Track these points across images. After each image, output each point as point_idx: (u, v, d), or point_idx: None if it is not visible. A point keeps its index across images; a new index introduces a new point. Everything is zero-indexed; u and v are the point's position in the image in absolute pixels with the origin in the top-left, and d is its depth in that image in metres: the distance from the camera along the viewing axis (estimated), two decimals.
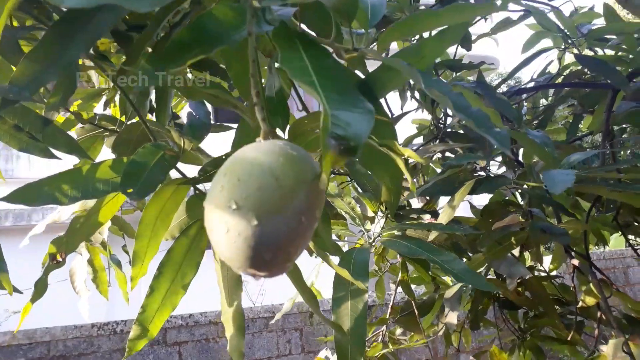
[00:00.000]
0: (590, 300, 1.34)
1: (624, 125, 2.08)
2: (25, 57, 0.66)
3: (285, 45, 0.53)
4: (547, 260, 2.03)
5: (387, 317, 1.82)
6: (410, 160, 1.62)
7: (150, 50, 0.91)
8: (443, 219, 1.23)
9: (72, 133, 1.23)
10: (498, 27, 1.84)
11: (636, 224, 1.69)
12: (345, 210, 1.19)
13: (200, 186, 0.90)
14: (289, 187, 0.46)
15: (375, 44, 0.66)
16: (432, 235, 1.25)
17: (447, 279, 1.96)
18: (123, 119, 1.08)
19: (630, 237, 1.85)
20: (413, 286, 1.97)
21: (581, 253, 1.41)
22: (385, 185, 0.76)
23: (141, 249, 0.86)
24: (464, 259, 1.37)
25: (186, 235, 0.87)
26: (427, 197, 1.51)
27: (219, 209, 0.47)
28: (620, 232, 1.72)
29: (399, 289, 1.79)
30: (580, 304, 1.40)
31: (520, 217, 1.45)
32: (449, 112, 1.75)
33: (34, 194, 0.70)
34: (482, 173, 1.44)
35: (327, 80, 0.48)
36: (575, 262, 1.39)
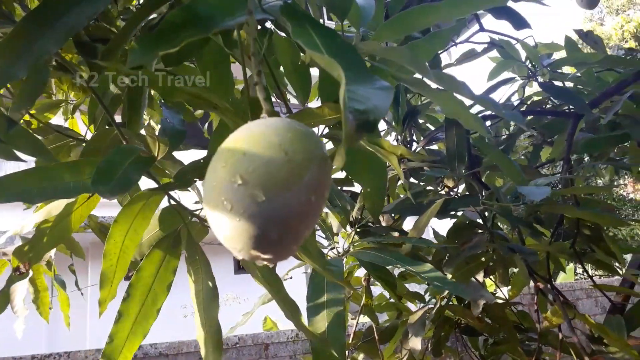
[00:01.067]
0: (556, 320, 1.35)
1: (576, 157, 2.16)
2: None
3: (294, 22, 0.52)
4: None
5: (350, 342, 1.79)
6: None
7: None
8: (413, 235, 1.24)
9: None
10: (462, 58, 1.90)
11: (591, 252, 1.74)
12: (317, 223, 1.17)
13: (175, 196, 0.87)
14: (298, 162, 0.43)
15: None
16: (403, 250, 1.24)
17: (403, 305, 1.95)
18: (92, 128, 1.04)
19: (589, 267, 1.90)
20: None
21: (544, 277, 1.43)
22: (368, 190, 0.75)
23: (109, 269, 0.80)
24: None
25: (156, 253, 0.82)
26: (394, 216, 1.52)
27: (221, 185, 0.44)
28: (576, 261, 1.76)
29: (362, 316, 1.77)
30: (545, 323, 1.41)
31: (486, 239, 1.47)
32: (415, 137, 1.78)
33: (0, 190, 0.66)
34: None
35: (339, 58, 0.46)
36: (539, 285, 1.41)
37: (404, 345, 1.84)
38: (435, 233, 1.86)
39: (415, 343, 1.70)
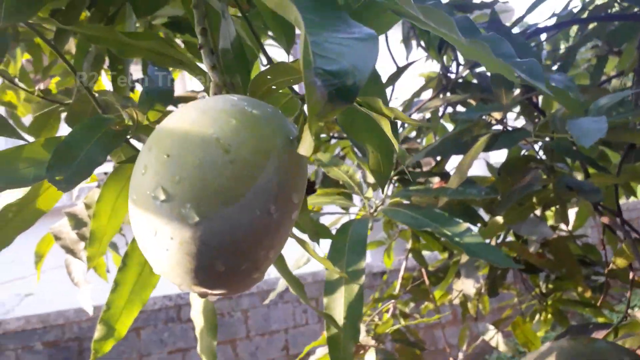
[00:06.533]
0: (621, 262, 1.19)
1: None
2: None
3: None
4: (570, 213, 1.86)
5: (398, 289, 1.69)
6: (415, 116, 1.46)
7: None
8: (454, 181, 1.09)
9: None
10: None
11: None
12: (343, 179, 1.05)
13: None
14: (246, 161, 0.31)
15: None
16: (442, 200, 1.10)
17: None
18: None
19: None
20: (427, 253, 1.84)
21: (611, 209, 1.26)
22: (373, 153, 0.61)
23: (99, 229, 0.75)
24: (479, 225, 1.23)
25: None
26: (437, 158, 1.36)
27: (141, 201, 0.32)
28: None
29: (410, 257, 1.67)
30: (610, 266, 1.25)
31: (542, 174, 1.30)
32: (461, 59, 1.57)
33: None
34: (498, 127, 1.29)
35: None
36: (605, 219, 1.24)
37: (455, 287, 1.74)
38: (489, 165, 1.70)
39: (468, 285, 1.58)
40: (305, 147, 0.27)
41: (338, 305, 0.79)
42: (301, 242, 0.64)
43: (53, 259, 1.51)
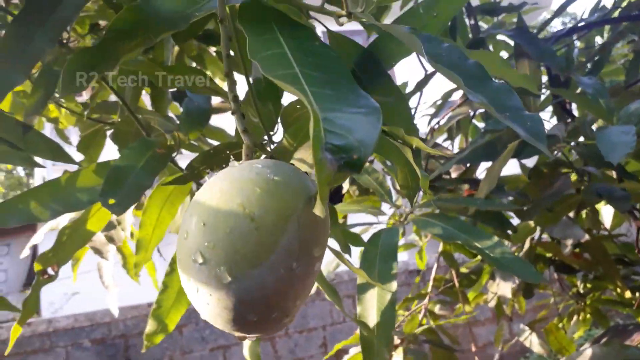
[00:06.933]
0: None
1: None
2: None
3: (254, 28, 0.42)
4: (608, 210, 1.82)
5: (429, 290, 1.71)
6: (443, 120, 1.48)
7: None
8: (484, 188, 1.11)
9: (73, 128, 1.17)
10: None
11: None
12: (372, 186, 1.08)
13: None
14: (269, 226, 0.36)
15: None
16: (472, 208, 1.12)
17: None
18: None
19: None
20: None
21: None
22: (400, 169, 0.65)
23: (145, 237, 0.83)
24: (509, 231, 1.24)
25: None
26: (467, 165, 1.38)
27: (185, 262, 0.38)
28: None
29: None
30: None
31: (575, 176, 1.30)
32: None
33: (5, 214, 0.63)
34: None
35: (314, 70, 0.37)
36: (639, 223, 1.23)
37: (490, 289, 1.74)
38: (521, 165, 1.69)
39: (505, 289, 1.59)
40: (319, 210, 0.31)
41: (371, 313, 0.82)
42: (337, 254, 0.68)
43: (96, 259, 1.59)
